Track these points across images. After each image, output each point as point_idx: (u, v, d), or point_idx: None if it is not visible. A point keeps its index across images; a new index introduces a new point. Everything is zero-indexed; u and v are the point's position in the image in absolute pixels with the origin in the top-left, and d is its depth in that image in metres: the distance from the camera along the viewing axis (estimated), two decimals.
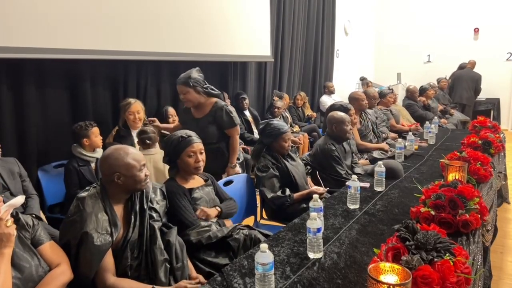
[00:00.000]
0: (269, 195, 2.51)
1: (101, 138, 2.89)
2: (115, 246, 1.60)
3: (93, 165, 2.79)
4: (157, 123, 3.23)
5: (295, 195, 2.53)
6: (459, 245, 1.37)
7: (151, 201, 1.77)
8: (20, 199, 1.45)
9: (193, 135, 2.12)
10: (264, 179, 2.54)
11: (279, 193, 2.51)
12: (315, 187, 2.68)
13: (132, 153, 1.69)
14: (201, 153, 2.09)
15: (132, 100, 3.21)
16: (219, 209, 2.07)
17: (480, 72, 7.81)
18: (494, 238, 2.63)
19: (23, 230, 1.46)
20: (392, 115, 4.97)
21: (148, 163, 2.84)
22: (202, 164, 2.09)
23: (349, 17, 8.36)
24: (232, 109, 3.05)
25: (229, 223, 2.13)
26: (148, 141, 2.89)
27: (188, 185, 2.06)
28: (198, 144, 2.08)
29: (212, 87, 3.01)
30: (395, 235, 1.41)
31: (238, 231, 1.93)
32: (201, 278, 1.71)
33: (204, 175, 2.21)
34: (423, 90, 6.06)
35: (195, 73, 2.93)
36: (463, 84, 7.49)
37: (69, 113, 3.23)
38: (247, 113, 4.93)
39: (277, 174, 2.58)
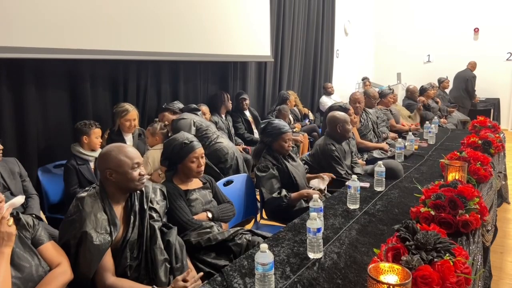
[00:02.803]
0: (266, 196, 2.51)
1: (101, 141, 2.90)
2: (114, 246, 1.60)
3: (92, 164, 2.80)
4: None
5: (293, 195, 2.52)
6: (459, 245, 1.37)
7: (151, 201, 1.77)
8: (20, 199, 1.46)
9: (195, 140, 2.12)
10: (263, 180, 2.54)
11: (275, 194, 2.50)
12: (313, 182, 2.67)
13: (126, 150, 1.68)
14: (202, 157, 2.10)
15: (129, 107, 3.25)
16: (210, 215, 2.05)
17: (480, 72, 7.81)
18: (494, 238, 2.63)
19: (24, 230, 1.46)
20: (392, 115, 4.97)
21: (156, 158, 2.87)
22: (203, 168, 2.10)
23: (349, 17, 8.36)
24: (186, 118, 3.23)
25: (225, 227, 2.13)
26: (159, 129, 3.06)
27: (184, 187, 2.06)
28: (200, 149, 2.10)
29: (190, 105, 3.50)
30: (395, 235, 1.41)
31: (240, 236, 1.91)
32: (194, 272, 1.70)
33: (204, 178, 2.21)
34: (423, 90, 6.06)
35: (173, 102, 3.52)
36: (455, 84, 7.55)
37: (69, 113, 3.23)
38: (247, 113, 4.93)
39: (277, 174, 2.57)
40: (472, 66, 7.68)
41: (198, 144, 2.11)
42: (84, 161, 2.78)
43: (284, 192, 2.51)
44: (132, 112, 3.24)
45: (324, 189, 2.65)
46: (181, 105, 3.49)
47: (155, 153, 2.94)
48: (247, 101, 4.89)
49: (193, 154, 2.04)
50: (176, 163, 2.07)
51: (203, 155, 2.12)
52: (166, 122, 3.32)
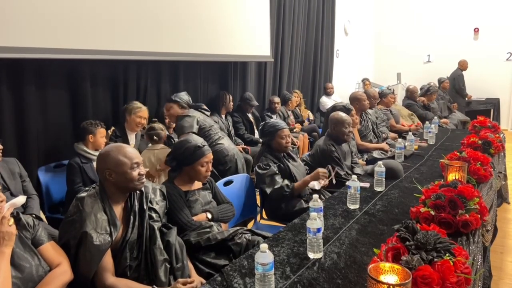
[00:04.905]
0: (269, 190, 2.52)
1: (106, 140, 2.93)
2: (114, 246, 1.60)
3: (95, 163, 2.81)
4: None
5: (296, 184, 2.55)
6: (459, 245, 1.37)
7: (151, 201, 1.77)
8: (21, 199, 1.46)
9: (206, 144, 2.12)
10: (265, 176, 2.55)
11: (277, 186, 2.52)
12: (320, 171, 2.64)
13: (125, 151, 1.67)
14: (210, 162, 2.11)
15: (142, 106, 3.32)
16: (209, 216, 2.05)
17: (480, 72, 7.79)
18: (494, 238, 2.63)
19: (24, 230, 1.46)
20: (392, 115, 4.97)
21: (152, 158, 2.89)
22: (209, 174, 2.12)
23: (349, 17, 8.36)
24: (190, 116, 3.24)
25: (224, 227, 2.13)
26: (155, 137, 3.02)
27: (185, 188, 2.06)
28: (210, 155, 2.11)
29: (200, 104, 3.51)
30: (395, 235, 1.41)
31: (240, 235, 1.91)
32: (198, 280, 1.70)
33: None
34: (427, 91, 6.03)
35: (182, 93, 3.43)
36: (450, 84, 7.54)
37: (69, 113, 3.23)
38: (249, 114, 4.94)
39: (278, 172, 2.59)
40: (462, 65, 7.67)
41: (209, 149, 2.12)
42: (88, 160, 2.79)
43: (286, 181, 2.53)
44: (145, 111, 3.31)
45: (323, 186, 2.65)
46: (188, 98, 3.46)
47: (151, 154, 2.95)
48: (253, 108, 4.93)
49: (204, 159, 2.05)
50: (184, 165, 2.06)
51: (212, 160, 2.13)
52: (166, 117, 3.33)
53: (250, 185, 2.77)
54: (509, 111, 8.45)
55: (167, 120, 3.71)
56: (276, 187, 2.52)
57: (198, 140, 2.11)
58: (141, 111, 3.27)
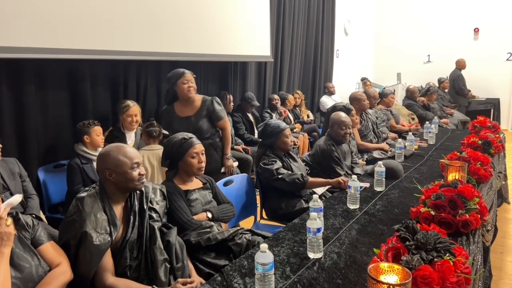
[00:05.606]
0: (280, 175, 2.54)
1: (103, 138, 2.91)
2: (114, 246, 1.60)
3: (95, 164, 2.80)
4: None
5: (312, 179, 2.59)
6: (459, 245, 1.37)
7: (151, 201, 1.77)
8: (17, 198, 1.45)
9: (194, 136, 2.13)
10: (273, 169, 2.56)
11: (289, 172, 2.56)
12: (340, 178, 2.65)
13: (125, 150, 1.68)
14: (202, 154, 2.11)
15: (130, 103, 3.26)
16: (209, 215, 2.05)
17: (480, 72, 7.77)
18: (494, 238, 2.63)
19: (23, 230, 1.46)
20: (392, 115, 4.97)
21: (151, 158, 2.88)
22: (204, 165, 2.10)
23: (349, 17, 8.36)
24: (219, 101, 3.17)
25: (224, 227, 2.13)
26: (154, 134, 3.01)
27: (185, 187, 2.06)
28: (200, 145, 2.11)
29: None
30: (395, 235, 1.41)
31: (240, 235, 1.91)
32: (198, 280, 1.69)
33: (204, 178, 2.21)
34: (427, 91, 6.03)
35: None
36: (449, 85, 7.55)
37: (69, 113, 3.23)
38: (249, 114, 4.94)
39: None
40: (459, 64, 7.67)
41: (198, 140, 2.12)
42: (88, 160, 2.79)
43: (301, 173, 2.57)
44: (133, 108, 3.24)
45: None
46: None
47: (149, 154, 2.94)
48: (253, 108, 4.94)
49: (193, 150, 2.05)
50: (177, 160, 2.07)
51: (203, 152, 2.12)
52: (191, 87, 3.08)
53: (250, 185, 2.77)
54: (509, 111, 8.45)
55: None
56: (289, 172, 2.56)
57: (184, 134, 2.13)
58: (129, 110, 3.22)
